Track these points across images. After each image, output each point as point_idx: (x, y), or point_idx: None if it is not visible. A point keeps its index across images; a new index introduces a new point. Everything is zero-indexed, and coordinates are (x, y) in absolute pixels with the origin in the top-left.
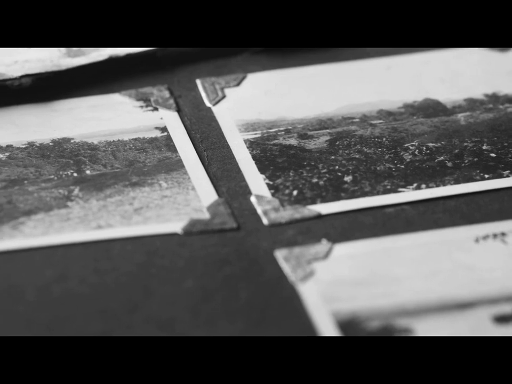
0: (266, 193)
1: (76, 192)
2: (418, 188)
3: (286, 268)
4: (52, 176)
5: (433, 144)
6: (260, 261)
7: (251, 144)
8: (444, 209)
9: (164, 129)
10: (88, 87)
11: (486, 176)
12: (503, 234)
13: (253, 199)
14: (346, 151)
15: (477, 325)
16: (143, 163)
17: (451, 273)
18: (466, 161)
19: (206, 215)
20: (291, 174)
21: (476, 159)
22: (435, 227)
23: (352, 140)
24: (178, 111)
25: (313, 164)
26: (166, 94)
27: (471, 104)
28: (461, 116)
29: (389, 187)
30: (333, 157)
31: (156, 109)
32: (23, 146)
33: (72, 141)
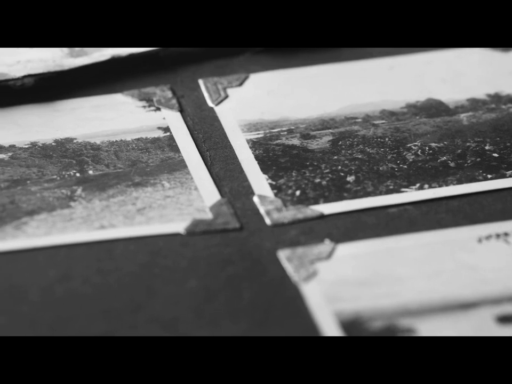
0: (269, 193)
1: (79, 192)
2: (421, 188)
3: (289, 268)
4: (55, 176)
5: (436, 144)
6: (263, 261)
7: (254, 144)
8: (446, 209)
9: (166, 129)
10: (90, 87)
11: (489, 176)
12: (506, 234)
13: (255, 199)
14: (349, 151)
15: (480, 325)
16: (145, 163)
17: (454, 273)
18: (469, 161)
19: (208, 215)
20: (294, 174)
21: (478, 159)
22: (438, 227)
23: (355, 140)
24: (181, 111)
25: (316, 164)
26: (169, 94)
27: (474, 104)
28: (463, 116)
29: (391, 187)
30: (335, 157)
31: (158, 109)
32: (26, 146)
33: (74, 141)
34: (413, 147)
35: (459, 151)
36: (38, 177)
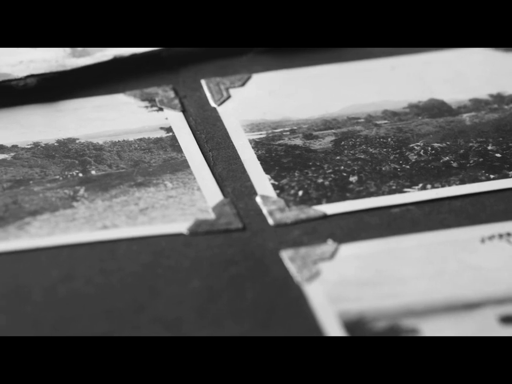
0: (272, 193)
1: (81, 193)
2: (423, 188)
3: (291, 268)
4: (57, 177)
5: (439, 145)
6: (266, 261)
7: (256, 145)
8: (449, 210)
9: (169, 129)
10: (93, 87)
11: (492, 176)
12: (508, 234)
13: (258, 199)
14: (351, 151)
15: (483, 325)
16: (148, 163)
17: (457, 274)
18: (471, 162)
19: (211, 216)
20: (296, 174)
21: (481, 160)
22: (441, 227)
23: (357, 140)
24: (183, 111)
25: (318, 164)
26: (171, 94)
27: (476, 105)
28: (466, 116)
29: (394, 187)
30: (338, 157)
31: (160, 109)
32: (28, 146)
33: (77, 141)
34: (415, 147)
35: (462, 151)
36: (41, 177)
